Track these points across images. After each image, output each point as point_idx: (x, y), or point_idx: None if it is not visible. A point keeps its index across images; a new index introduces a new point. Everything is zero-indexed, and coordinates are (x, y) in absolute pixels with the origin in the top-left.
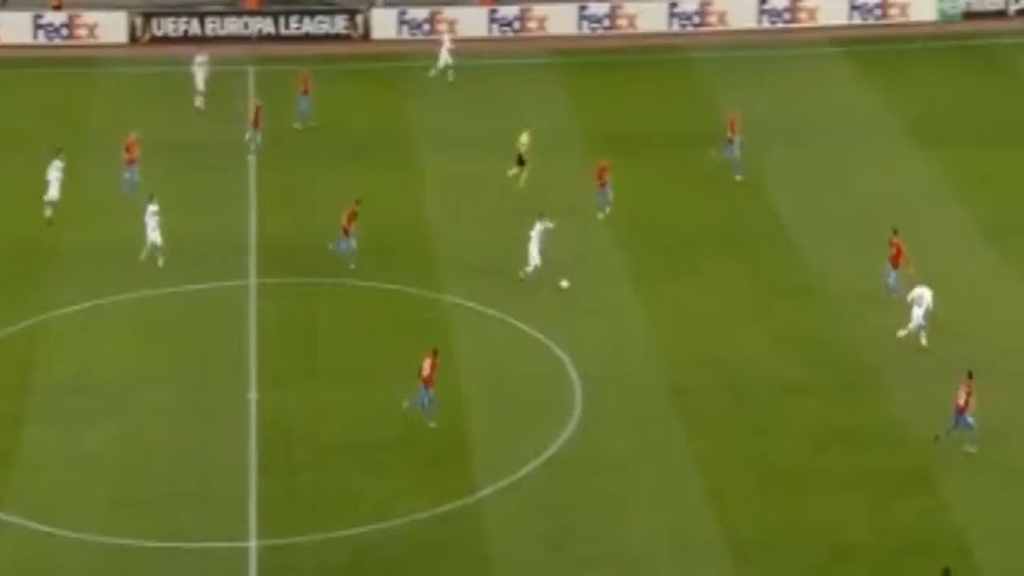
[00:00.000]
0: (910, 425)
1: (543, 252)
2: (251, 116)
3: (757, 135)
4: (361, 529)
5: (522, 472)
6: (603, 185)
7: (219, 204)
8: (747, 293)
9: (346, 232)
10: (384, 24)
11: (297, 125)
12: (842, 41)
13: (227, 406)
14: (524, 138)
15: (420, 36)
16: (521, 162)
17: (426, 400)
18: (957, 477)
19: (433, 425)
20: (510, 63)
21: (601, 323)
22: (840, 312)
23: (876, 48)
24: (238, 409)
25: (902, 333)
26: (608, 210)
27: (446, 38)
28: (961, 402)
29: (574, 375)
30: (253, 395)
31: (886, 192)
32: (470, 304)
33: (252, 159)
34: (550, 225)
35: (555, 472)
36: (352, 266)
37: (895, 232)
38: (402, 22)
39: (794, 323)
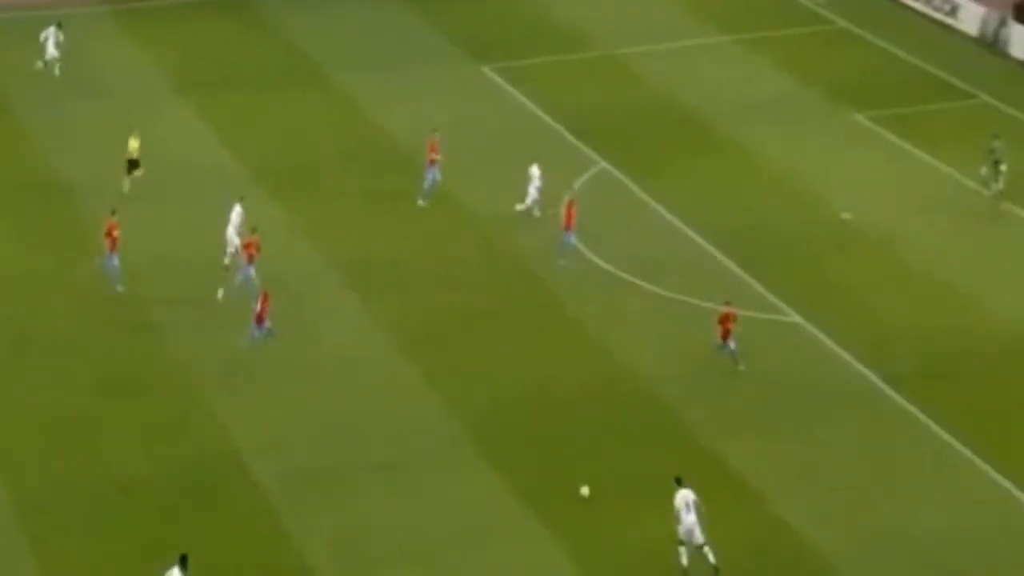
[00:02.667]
0: (191, 368)
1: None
2: None
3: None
4: None
5: None
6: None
7: None
8: (51, 251)
9: (111, 249)
10: None
11: None
12: (107, 0)
13: None
14: (133, 142)
15: None
16: (135, 165)
17: (256, 334)
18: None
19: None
20: None
21: None
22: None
23: (137, 6)
24: None
25: (520, 207)
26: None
27: (52, 29)
28: (721, 333)
29: None
30: None
31: (161, 140)
32: None
33: None
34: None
35: None
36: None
37: (570, 200)
38: None
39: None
